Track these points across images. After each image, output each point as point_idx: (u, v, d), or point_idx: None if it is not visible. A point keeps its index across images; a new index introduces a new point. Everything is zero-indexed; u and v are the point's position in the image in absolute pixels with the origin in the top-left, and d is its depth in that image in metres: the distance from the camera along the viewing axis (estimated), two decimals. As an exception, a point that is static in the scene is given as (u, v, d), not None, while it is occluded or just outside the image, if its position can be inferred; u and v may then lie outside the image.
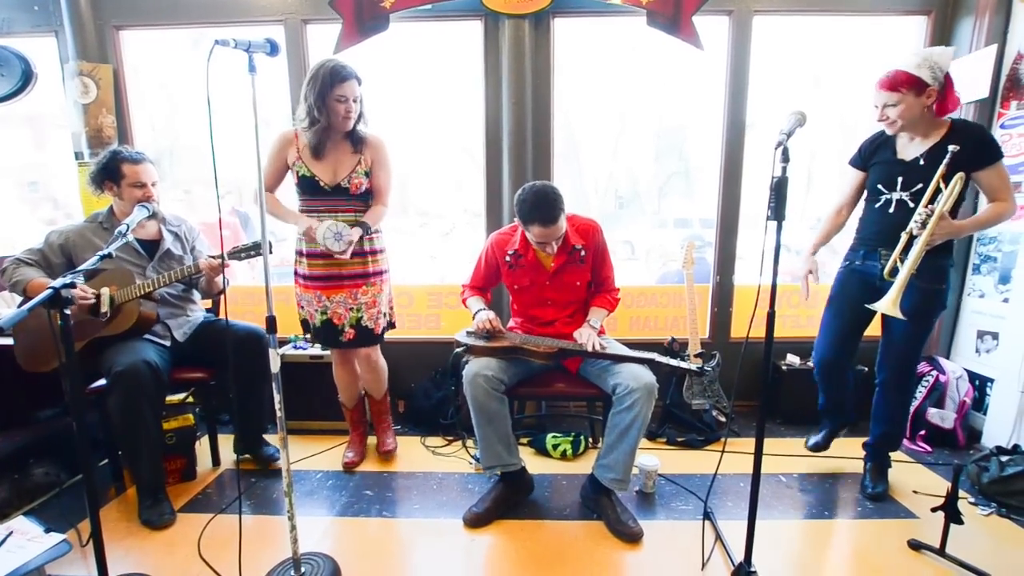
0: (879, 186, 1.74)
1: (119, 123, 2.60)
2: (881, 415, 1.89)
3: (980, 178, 1.63)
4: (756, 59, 2.51)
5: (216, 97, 1.22)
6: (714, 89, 2.61)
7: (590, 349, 1.74)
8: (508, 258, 1.91)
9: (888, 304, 1.61)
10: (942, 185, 1.58)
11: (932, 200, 1.62)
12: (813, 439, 2.10)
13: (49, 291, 1.18)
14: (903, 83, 1.57)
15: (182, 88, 3.27)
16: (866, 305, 1.68)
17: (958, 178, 1.57)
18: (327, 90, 1.76)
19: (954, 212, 1.62)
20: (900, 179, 1.69)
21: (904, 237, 1.64)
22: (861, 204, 1.89)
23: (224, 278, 1.93)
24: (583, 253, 1.88)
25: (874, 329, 1.89)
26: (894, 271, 1.65)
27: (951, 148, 1.55)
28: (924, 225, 1.58)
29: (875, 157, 1.78)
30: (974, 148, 1.59)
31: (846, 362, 1.96)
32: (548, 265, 1.88)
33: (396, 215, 1.99)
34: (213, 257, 1.84)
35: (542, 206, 1.68)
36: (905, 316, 1.62)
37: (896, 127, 1.66)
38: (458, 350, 1.86)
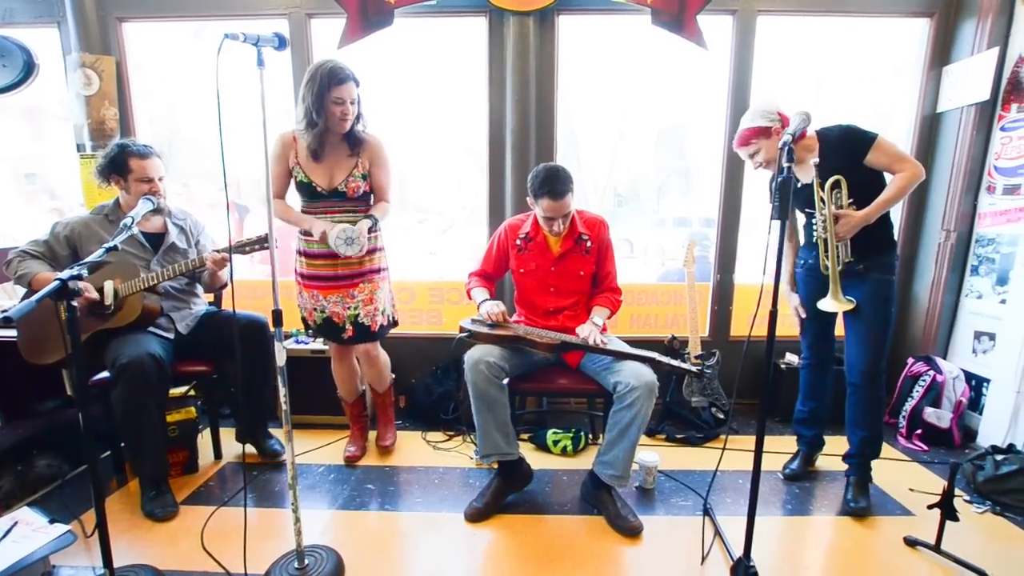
0: (807, 209, 1.85)
1: (121, 116, 2.60)
2: (857, 419, 1.86)
3: (869, 164, 1.69)
4: (759, 59, 2.52)
5: (219, 91, 1.22)
6: (714, 88, 2.62)
7: (591, 342, 1.77)
8: (519, 240, 1.97)
9: (832, 302, 1.70)
10: (825, 195, 1.69)
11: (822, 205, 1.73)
12: (789, 466, 2.09)
13: (56, 283, 1.18)
14: (751, 135, 1.76)
15: (181, 81, 3.26)
16: (818, 305, 1.76)
17: (831, 182, 1.67)
18: (324, 92, 1.75)
19: (867, 202, 1.68)
20: (815, 199, 1.78)
21: (819, 242, 1.75)
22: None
23: (229, 275, 1.93)
24: (588, 244, 1.93)
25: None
26: (827, 267, 1.75)
27: (812, 162, 1.68)
28: (826, 229, 1.70)
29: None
30: (842, 146, 1.71)
31: (828, 354, 2.00)
32: (555, 249, 1.93)
33: (395, 211, 2.00)
34: (219, 251, 1.84)
35: (553, 180, 1.77)
36: (861, 305, 1.73)
37: (772, 166, 1.80)
38: (462, 336, 1.87)
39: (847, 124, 1.74)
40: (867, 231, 1.70)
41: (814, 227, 1.76)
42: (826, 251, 1.72)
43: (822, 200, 1.69)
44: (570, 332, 1.86)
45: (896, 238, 1.83)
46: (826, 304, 1.72)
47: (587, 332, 1.80)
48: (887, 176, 1.73)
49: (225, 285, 2.06)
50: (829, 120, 1.81)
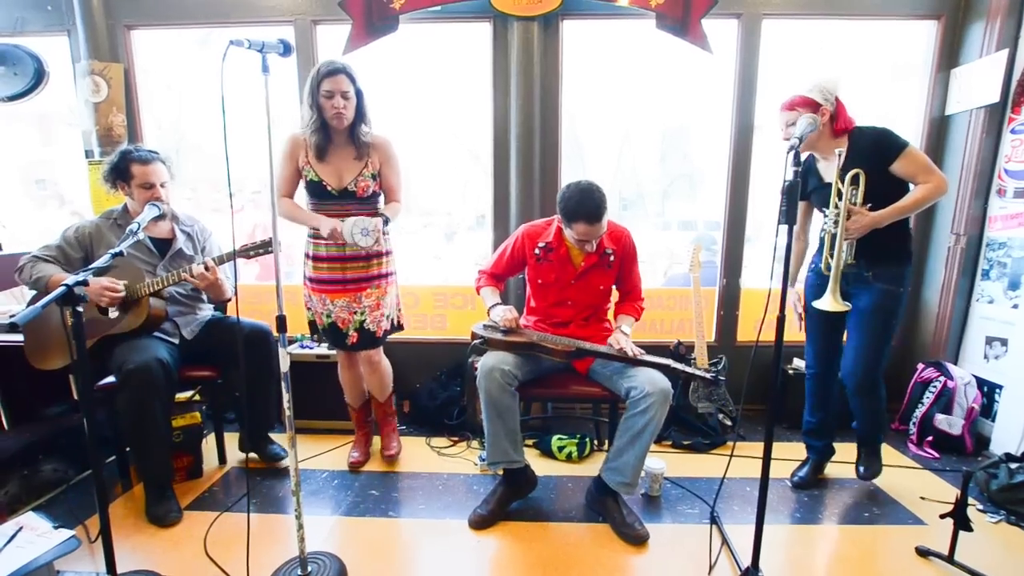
0: (824, 209, 1.83)
1: (129, 122, 2.62)
2: (859, 417, 1.94)
3: (895, 172, 1.68)
4: (764, 62, 2.51)
5: (226, 97, 1.23)
6: (719, 91, 2.61)
7: (630, 354, 1.75)
8: (538, 251, 1.91)
9: (829, 301, 1.69)
10: (841, 187, 1.67)
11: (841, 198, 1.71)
12: (798, 474, 2.06)
13: (62, 288, 1.18)
14: (798, 103, 1.73)
15: (188, 87, 3.29)
16: (813, 303, 1.76)
17: (851, 175, 1.65)
18: (316, 87, 1.79)
19: (884, 203, 1.66)
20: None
21: (825, 238, 1.74)
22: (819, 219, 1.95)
23: (234, 284, 1.94)
24: (612, 258, 1.90)
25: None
26: (829, 267, 1.73)
27: (837, 151, 1.68)
28: (836, 224, 1.68)
29: (808, 186, 1.89)
30: (872, 149, 1.69)
31: (834, 364, 1.97)
32: (577, 263, 1.89)
33: (402, 214, 2.01)
34: (225, 256, 1.84)
35: (588, 203, 1.70)
36: (863, 313, 1.74)
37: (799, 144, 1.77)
38: (476, 342, 1.86)
39: (882, 127, 1.72)
40: (883, 240, 1.69)
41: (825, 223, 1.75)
42: (831, 249, 1.70)
43: (839, 193, 1.66)
44: (581, 339, 1.84)
45: (912, 249, 1.81)
46: (823, 303, 1.71)
47: (623, 343, 1.78)
48: (912, 187, 1.71)
49: (229, 299, 2.05)
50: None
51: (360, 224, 1.81)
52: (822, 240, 1.88)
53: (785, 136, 1.78)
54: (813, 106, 1.71)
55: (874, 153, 1.69)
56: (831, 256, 1.71)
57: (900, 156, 1.66)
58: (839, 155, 1.67)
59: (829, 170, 1.78)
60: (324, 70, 1.78)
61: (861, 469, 1.97)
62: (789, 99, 1.75)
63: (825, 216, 1.77)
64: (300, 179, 1.94)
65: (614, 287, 2.00)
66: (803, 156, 1.85)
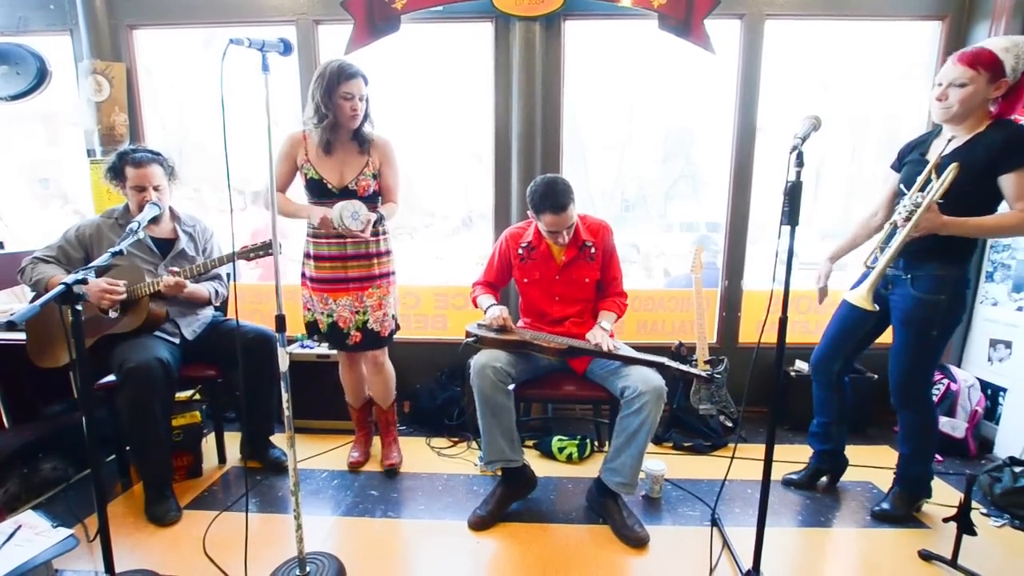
0: (902, 186, 1.63)
1: (131, 121, 2.63)
2: (902, 437, 1.79)
3: (1001, 184, 1.49)
4: (767, 62, 2.50)
5: (227, 96, 1.23)
6: (722, 92, 2.60)
7: (604, 348, 1.74)
8: (521, 250, 1.94)
9: (860, 295, 1.53)
10: (933, 176, 1.51)
11: (923, 189, 1.52)
12: (792, 475, 2.02)
13: (61, 287, 1.18)
14: (984, 62, 1.43)
15: (192, 87, 3.30)
16: (844, 295, 1.65)
17: (951, 168, 1.46)
18: (333, 87, 1.78)
19: (956, 211, 1.49)
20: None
21: (887, 227, 1.59)
22: None
23: (220, 290, 1.93)
24: (593, 250, 1.91)
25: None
26: (875, 260, 1.58)
27: (949, 138, 1.50)
28: (909, 218, 1.49)
29: (908, 157, 1.70)
30: (1001, 148, 1.47)
31: (840, 362, 1.87)
32: (559, 259, 1.91)
33: (402, 215, 2.01)
34: (225, 257, 1.84)
35: (553, 194, 1.74)
36: (902, 323, 1.63)
37: (950, 113, 1.51)
38: (468, 340, 1.86)
39: None
40: (931, 237, 1.52)
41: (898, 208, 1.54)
42: (887, 240, 1.54)
43: (929, 179, 1.47)
44: (577, 338, 1.84)
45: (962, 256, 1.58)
46: (853, 294, 1.56)
47: (599, 338, 1.78)
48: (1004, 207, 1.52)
49: (208, 303, 2.04)
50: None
51: (350, 208, 1.78)
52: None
53: (939, 96, 1.51)
54: (998, 72, 1.42)
55: (1000, 152, 1.44)
56: (880, 249, 1.55)
57: (1017, 170, 1.43)
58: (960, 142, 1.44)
59: (939, 148, 1.56)
60: (346, 73, 1.77)
61: (883, 504, 1.81)
62: (972, 51, 1.43)
63: (900, 201, 1.58)
64: (295, 176, 1.94)
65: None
66: (941, 118, 1.56)
